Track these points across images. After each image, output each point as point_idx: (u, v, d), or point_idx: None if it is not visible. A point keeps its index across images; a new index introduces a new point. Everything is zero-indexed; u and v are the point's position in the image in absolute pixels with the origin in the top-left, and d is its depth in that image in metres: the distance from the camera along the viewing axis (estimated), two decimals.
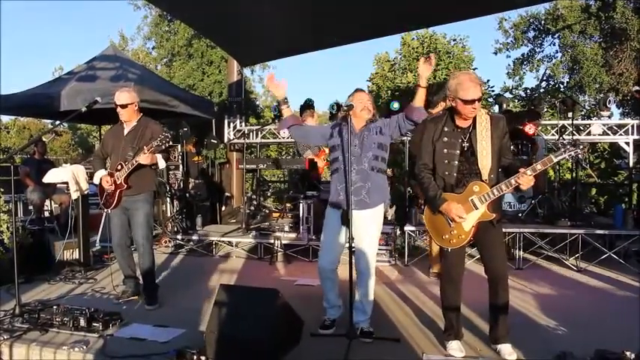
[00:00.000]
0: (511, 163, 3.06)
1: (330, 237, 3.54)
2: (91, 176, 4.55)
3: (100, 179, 4.20)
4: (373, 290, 3.49)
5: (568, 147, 2.83)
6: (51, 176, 5.91)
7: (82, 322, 3.50)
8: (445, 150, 3.04)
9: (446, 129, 3.06)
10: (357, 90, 3.60)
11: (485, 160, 2.96)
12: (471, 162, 3.01)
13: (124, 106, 4.14)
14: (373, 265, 3.46)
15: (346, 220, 3.31)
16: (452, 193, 3.02)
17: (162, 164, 4.24)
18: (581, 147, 2.85)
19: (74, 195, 5.53)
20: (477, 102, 2.90)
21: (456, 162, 3.01)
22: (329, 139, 3.60)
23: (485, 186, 2.94)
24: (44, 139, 9.19)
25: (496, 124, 3.02)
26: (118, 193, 4.10)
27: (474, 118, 3.01)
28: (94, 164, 4.41)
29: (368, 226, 3.42)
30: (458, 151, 3.01)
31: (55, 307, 3.65)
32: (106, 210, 4.26)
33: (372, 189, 3.40)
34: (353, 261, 3.35)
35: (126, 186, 4.07)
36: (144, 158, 3.92)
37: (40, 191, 7.10)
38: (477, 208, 2.96)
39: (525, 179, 2.84)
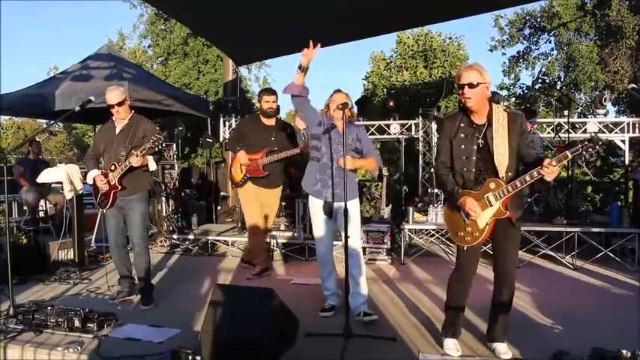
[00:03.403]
0: (536, 159, 2.92)
1: (320, 226, 3.90)
2: (85, 176, 4.53)
3: (94, 179, 4.17)
4: (365, 270, 3.83)
5: (586, 143, 2.69)
6: (45, 176, 5.88)
7: (77, 323, 3.48)
8: (462, 146, 3.00)
9: (462, 125, 3.03)
10: (335, 91, 3.89)
11: (501, 158, 2.89)
12: (488, 159, 2.95)
13: (120, 104, 4.10)
14: (360, 245, 3.90)
15: (328, 212, 3.80)
16: (470, 190, 2.96)
17: (152, 166, 4.18)
18: (600, 143, 2.69)
19: (68, 195, 5.50)
20: (467, 87, 2.87)
21: (474, 157, 2.97)
22: (316, 125, 3.88)
23: (501, 183, 2.87)
24: (38, 139, 9.14)
25: (513, 120, 2.94)
26: (112, 193, 4.07)
27: (490, 115, 2.96)
28: (87, 164, 4.37)
29: (350, 211, 3.59)
30: (475, 147, 2.97)
31: (49, 307, 3.62)
32: (101, 210, 4.24)
33: (347, 186, 3.59)
34: (347, 255, 3.45)
35: (120, 187, 4.05)
36: (135, 161, 3.88)
37: (34, 191, 7.07)
38: (491, 205, 2.90)
39: (551, 170, 2.72)
